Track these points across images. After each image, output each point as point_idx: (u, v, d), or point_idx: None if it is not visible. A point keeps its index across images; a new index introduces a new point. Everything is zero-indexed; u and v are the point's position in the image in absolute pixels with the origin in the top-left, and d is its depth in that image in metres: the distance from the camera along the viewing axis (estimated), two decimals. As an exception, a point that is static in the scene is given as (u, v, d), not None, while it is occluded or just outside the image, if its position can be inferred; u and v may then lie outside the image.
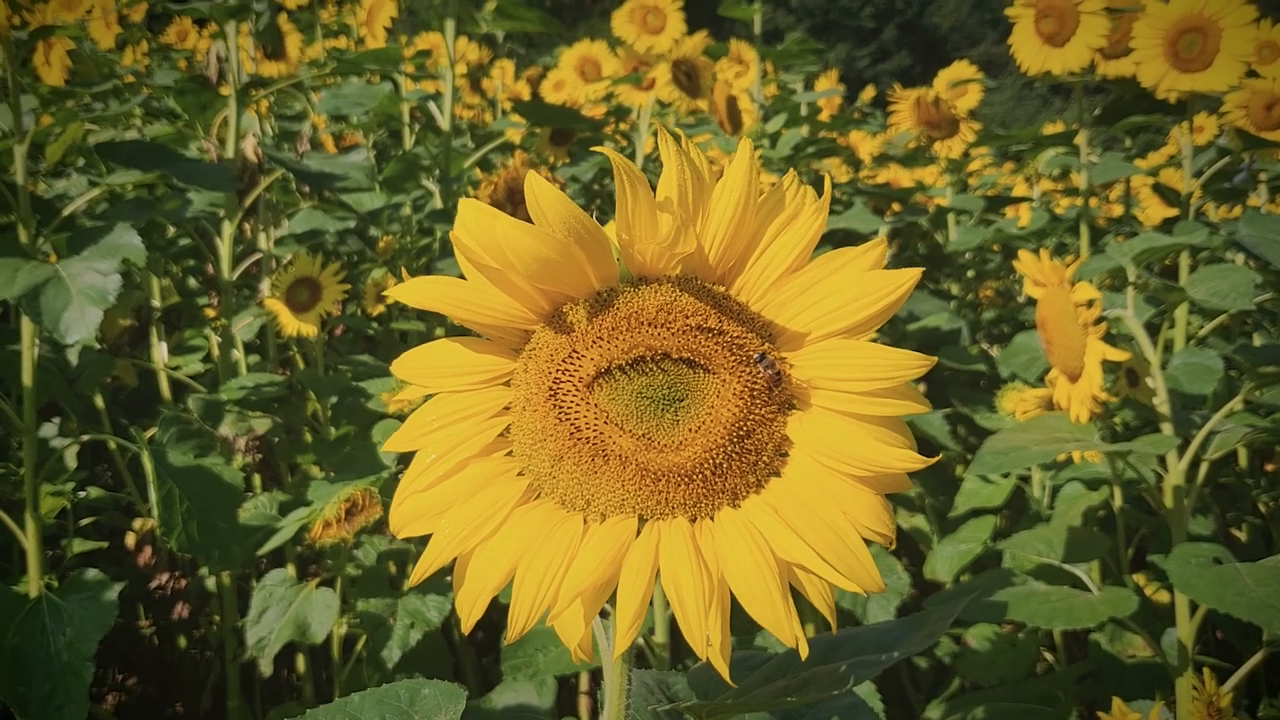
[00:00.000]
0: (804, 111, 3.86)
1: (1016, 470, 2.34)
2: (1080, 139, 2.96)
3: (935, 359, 0.67)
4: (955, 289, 4.10)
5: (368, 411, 2.65)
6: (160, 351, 3.24)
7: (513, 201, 2.63)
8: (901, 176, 4.89)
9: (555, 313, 0.71)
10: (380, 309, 3.25)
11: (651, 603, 0.76)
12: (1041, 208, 3.75)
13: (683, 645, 2.09)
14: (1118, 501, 2.40)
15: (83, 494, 2.78)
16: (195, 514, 2.22)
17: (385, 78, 4.12)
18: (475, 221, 0.65)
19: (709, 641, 0.62)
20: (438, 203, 3.50)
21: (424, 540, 0.70)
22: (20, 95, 2.18)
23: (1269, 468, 2.95)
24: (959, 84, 4.27)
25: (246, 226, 3.29)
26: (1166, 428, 1.95)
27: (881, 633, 0.84)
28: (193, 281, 3.87)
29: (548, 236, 0.64)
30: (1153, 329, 2.33)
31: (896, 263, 4.28)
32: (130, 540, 3.19)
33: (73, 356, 2.70)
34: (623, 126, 4.34)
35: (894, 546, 0.68)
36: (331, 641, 2.46)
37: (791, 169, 0.71)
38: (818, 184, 3.97)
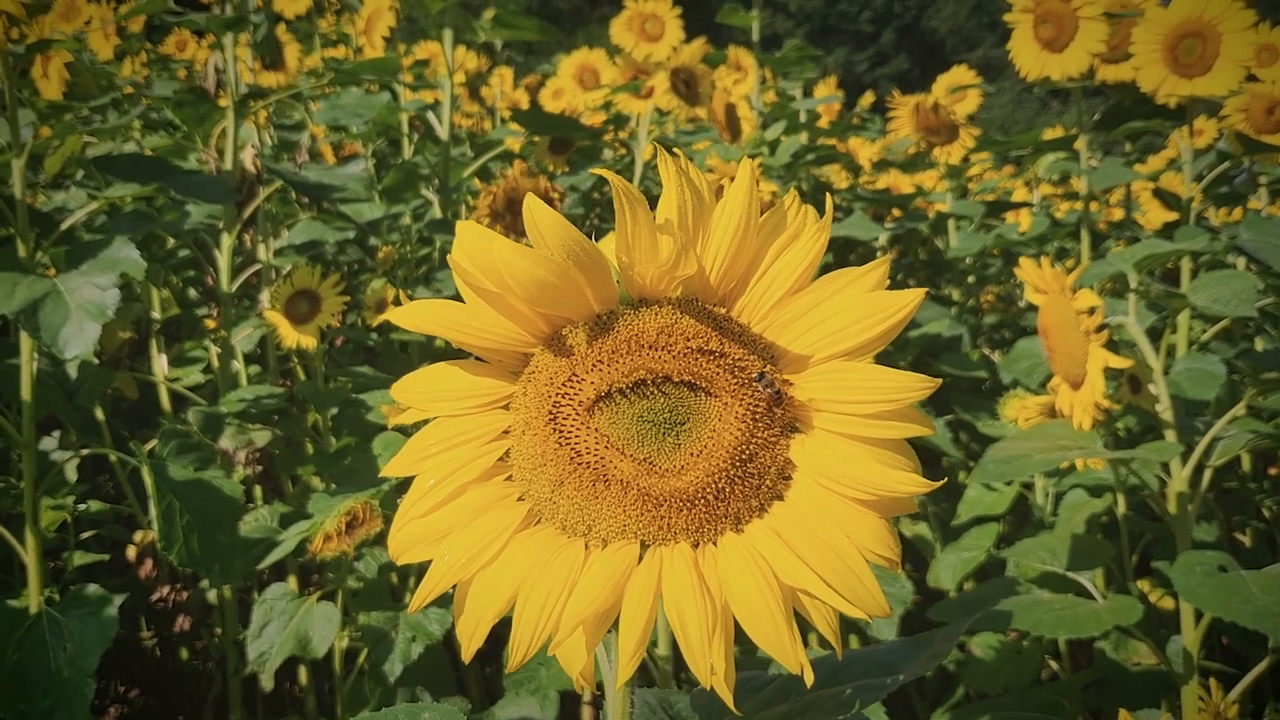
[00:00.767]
0: (803, 119, 3.86)
1: (1020, 478, 2.34)
2: (1080, 144, 2.96)
3: (939, 381, 0.66)
4: (956, 295, 4.09)
5: (368, 423, 2.64)
6: (160, 364, 3.23)
7: (512, 211, 2.63)
8: (901, 182, 4.88)
9: (554, 335, 0.70)
10: (380, 320, 3.25)
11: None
12: (1042, 213, 3.75)
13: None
14: (1121, 508, 2.39)
15: (82, 507, 2.77)
16: (196, 527, 2.22)
17: (384, 87, 4.12)
18: (473, 244, 0.64)
19: (713, 670, 0.61)
20: (437, 212, 3.49)
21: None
22: (18, 109, 2.17)
23: (1272, 472, 2.95)
24: (957, 90, 4.27)
25: (246, 237, 3.29)
26: (1170, 434, 1.94)
27: (886, 653, 0.83)
28: (193, 293, 3.87)
29: (546, 260, 0.63)
30: (1155, 335, 2.32)
31: (897, 268, 4.28)
32: (131, 553, 3.19)
33: (72, 370, 2.69)
34: (621, 135, 4.34)
35: (898, 570, 0.67)
36: (333, 654, 2.45)
37: (792, 187, 0.70)
38: (818, 190, 3.96)
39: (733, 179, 2.46)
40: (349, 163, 3.15)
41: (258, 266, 3.10)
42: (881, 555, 0.66)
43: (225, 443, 2.52)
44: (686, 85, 3.35)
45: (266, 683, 2.31)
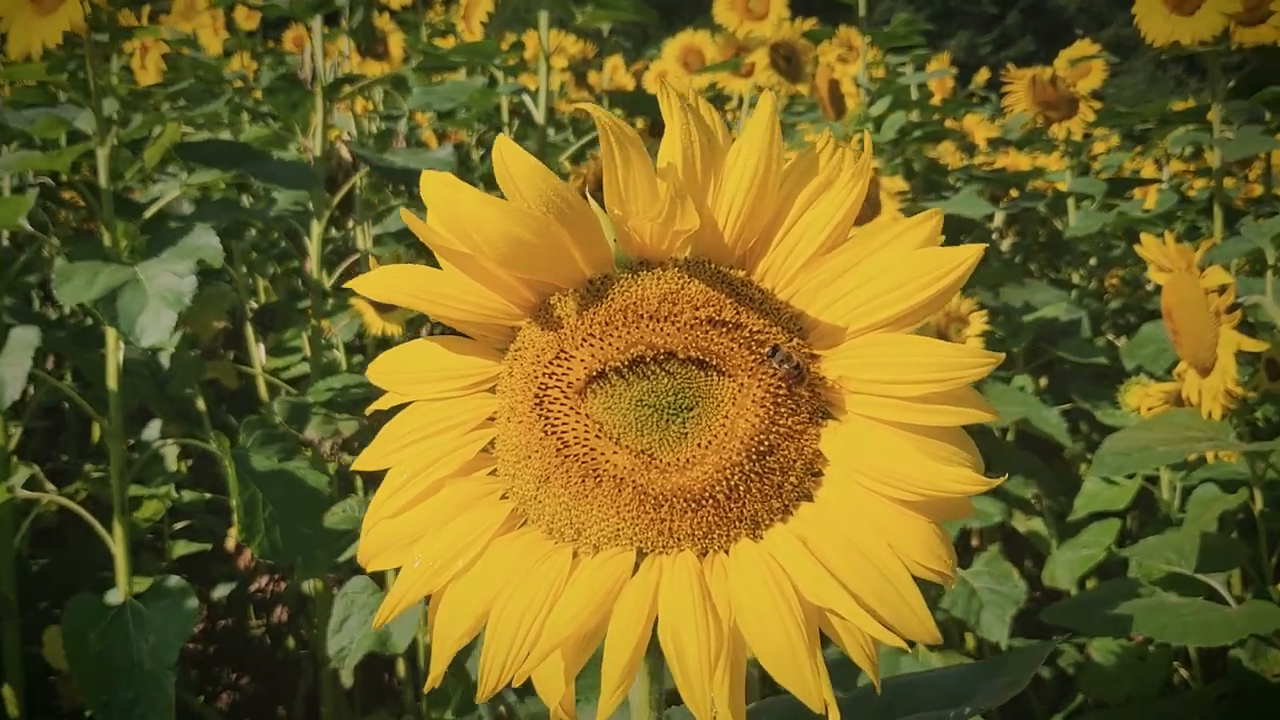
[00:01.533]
0: (914, 94, 3.68)
1: (1142, 471, 2.16)
2: (1213, 114, 2.73)
3: (1001, 356, 0.54)
4: (1076, 277, 3.86)
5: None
6: (258, 352, 3.23)
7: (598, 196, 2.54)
8: (1020, 161, 4.65)
9: (542, 305, 0.60)
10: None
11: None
12: (1171, 190, 3.51)
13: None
14: (1258, 505, 2.19)
15: (175, 497, 2.77)
16: (278, 519, 2.18)
17: (482, 72, 4.08)
18: (438, 196, 0.54)
19: (714, 707, 0.50)
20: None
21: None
22: (102, 98, 2.16)
23: None
24: (1079, 61, 4.03)
25: (348, 225, 3.27)
26: (1313, 425, 1.76)
27: (954, 679, 0.71)
28: (300, 283, 3.88)
29: (521, 213, 0.53)
30: (1295, 316, 2.12)
31: (1014, 250, 4.07)
32: (230, 543, 3.20)
33: (164, 359, 2.69)
34: (728, 117, 4.21)
35: (953, 585, 0.55)
36: (418, 649, 2.40)
37: (827, 132, 0.58)
38: (931, 170, 3.78)
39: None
40: (440, 149, 3.10)
41: (357, 255, 3.07)
42: (931, 567, 0.54)
43: (311, 433, 2.48)
44: (787, 61, 3.22)
45: (346, 679, 2.27)
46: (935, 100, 4.18)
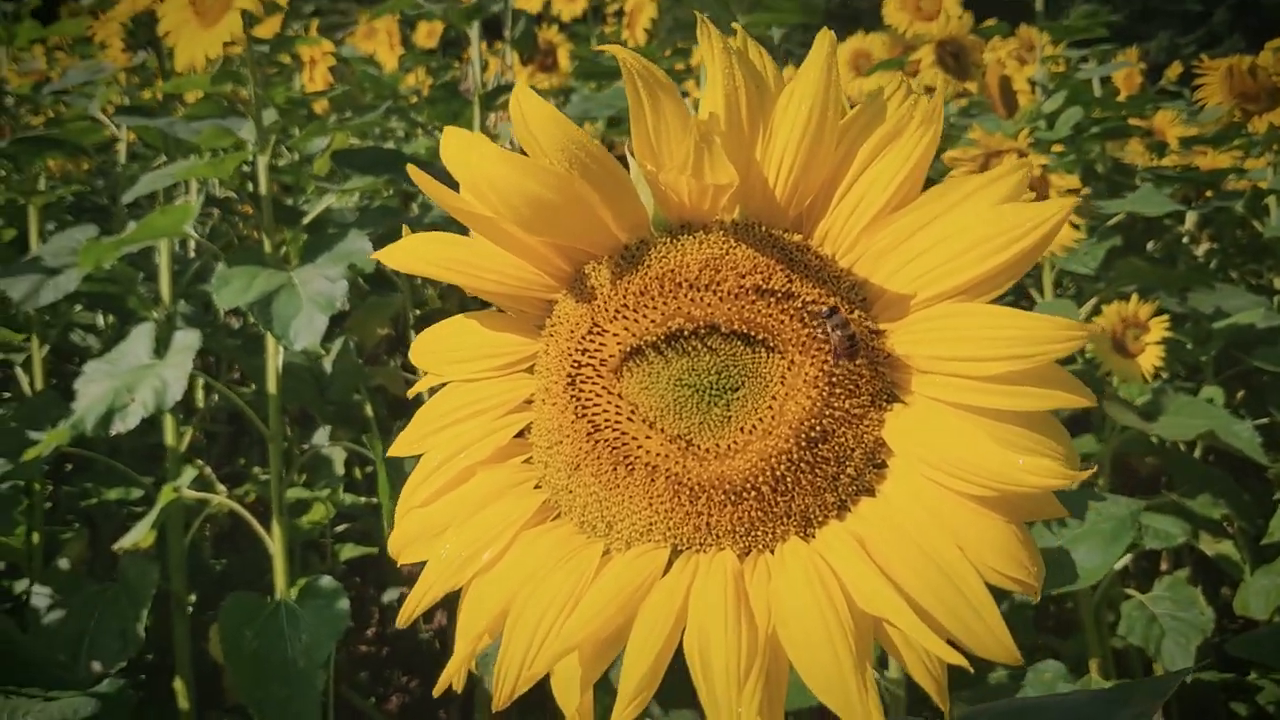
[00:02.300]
0: (1097, 91, 3.48)
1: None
2: None
3: (1092, 326, 0.45)
4: (1279, 282, 3.57)
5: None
6: (420, 360, 3.27)
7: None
8: (1219, 160, 4.35)
9: (577, 275, 0.54)
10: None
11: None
12: (1391, 185, 3.20)
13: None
14: None
15: (340, 500, 2.83)
16: (426, 522, 2.18)
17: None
18: (455, 154, 0.49)
19: (741, 726, 0.43)
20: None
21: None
22: (263, 108, 2.22)
23: None
24: (1285, 49, 3.73)
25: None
26: None
27: (1072, 705, 0.61)
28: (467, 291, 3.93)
29: (540, 169, 0.47)
30: None
31: (1209, 255, 3.80)
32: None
33: (326, 365, 2.75)
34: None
35: (1037, 598, 0.47)
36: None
37: (901, 75, 0.51)
38: (1116, 171, 3.57)
39: (1000, 153, 2.12)
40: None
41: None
42: (1007, 574, 0.46)
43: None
44: (955, 58, 3.09)
45: (489, 686, 2.25)
46: (1121, 96, 3.94)
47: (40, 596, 2.11)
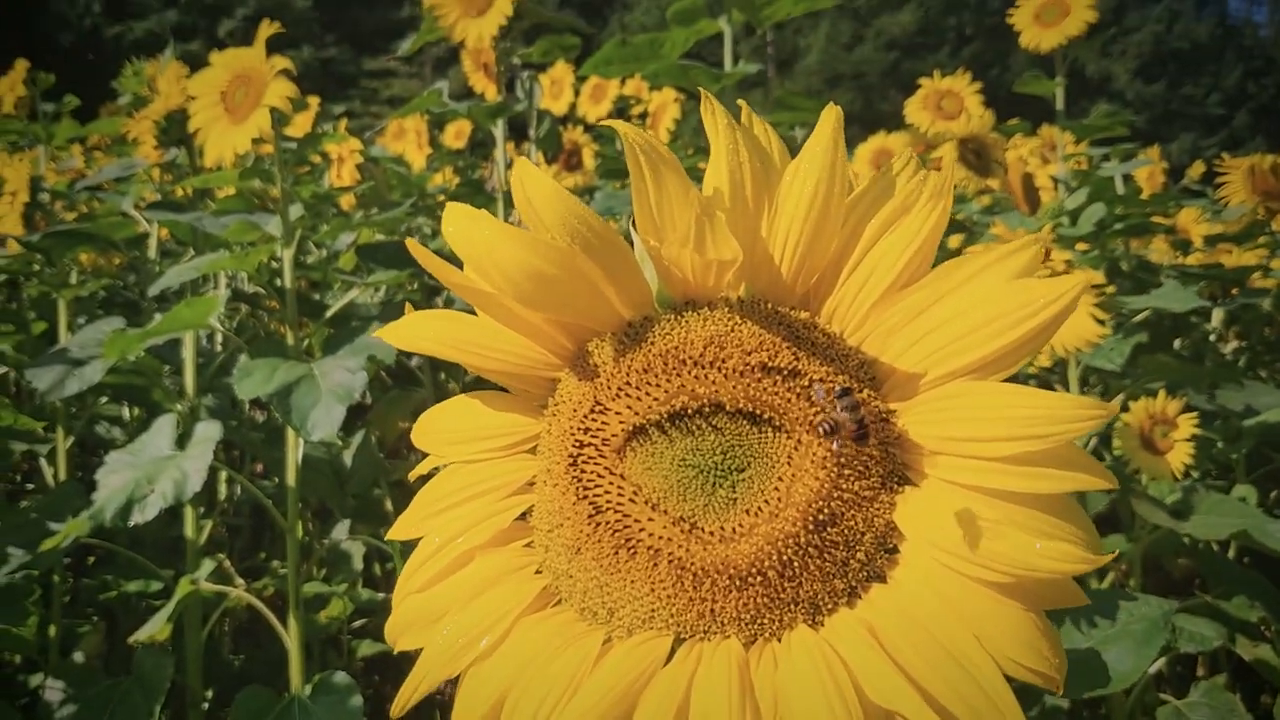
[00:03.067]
0: (1120, 189, 3.49)
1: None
2: None
3: (1113, 407, 0.44)
4: (1311, 380, 3.53)
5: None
6: (443, 455, 3.26)
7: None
8: (1244, 257, 4.34)
9: (580, 353, 0.53)
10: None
11: None
12: None
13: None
14: None
15: (356, 594, 2.79)
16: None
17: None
18: (455, 228, 0.48)
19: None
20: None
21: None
22: (289, 203, 2.25)
23: None
24: (1308, 148, 3.74)
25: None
26: None
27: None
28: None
29: (542, 245, 0.47)
30: None
31: (1236, 354, 3.76)
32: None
33: (347, 458, 2.74)
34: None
35: (1060, 691, 0.44)
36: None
37: (911, 150, 0.50)
38: (1141, 269, 3.56)
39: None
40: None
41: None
42: (1026, 665, 0.43)
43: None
44: (976, 155, 3.10)
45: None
46: (1144, 195, 3.95)
47: (54, 690, 2.08)
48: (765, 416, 0.49)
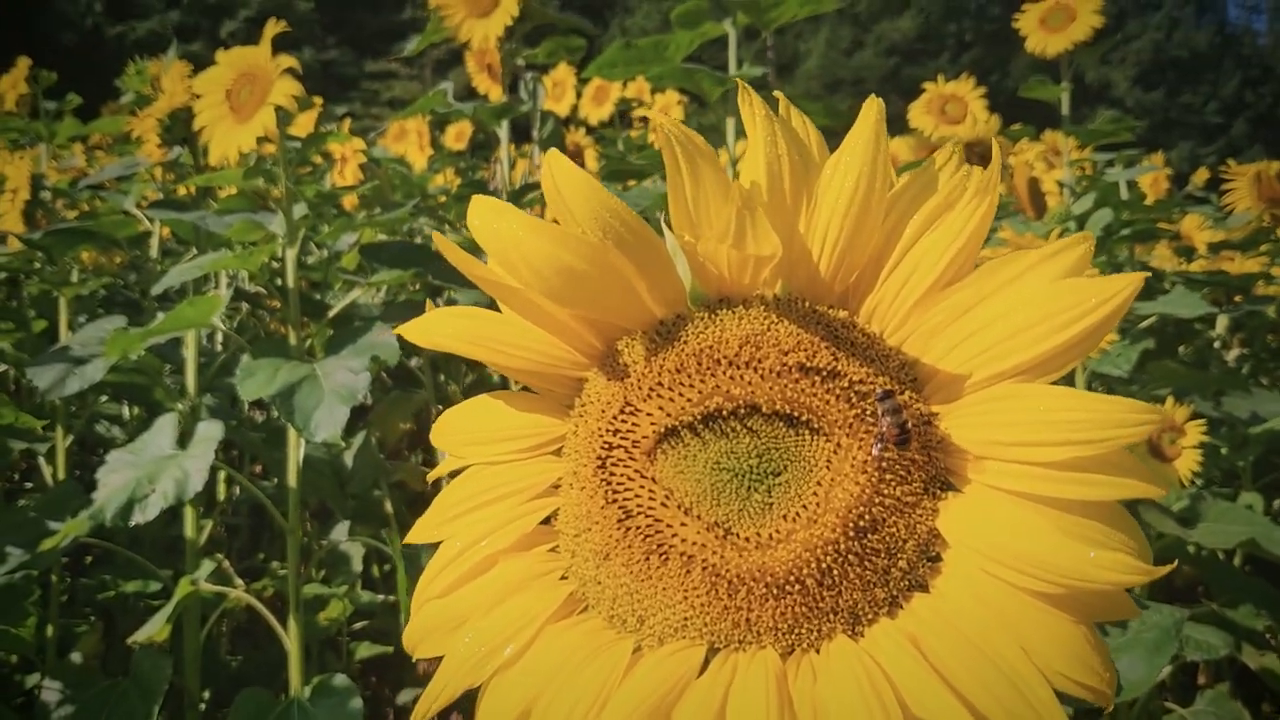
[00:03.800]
0: (1124, 194, 3.47)
1: (1398, 604, 1.89)
2: None
3: (1168, 412, 0.42)
4: (1316, 388, 3.52)
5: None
6: (441, 455, 3.25)
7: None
8: (1247, 264, 4.33)
9: (609, 352, 0.51)
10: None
11: None
12: None
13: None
14: None
15: (356, 596, 2.78)
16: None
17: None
18: (482, 223, 0.47)
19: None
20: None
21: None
22: (293, 203, 2.23)
23: None
24: (1313, 156, 3.73)
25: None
26: None
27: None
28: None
29: (572, 239, 0.45)
30: None
31: (1240, 361, 3.75)
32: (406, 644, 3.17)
33: (347, 459, 2.72)
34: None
35: (1110, 707, 0.43)
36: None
37: (953, 145, 0.48)
38: (1147, 275, 3.55)
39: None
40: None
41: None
42: (1075, 679, 0.42)
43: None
44: (981, 160, 3.09)
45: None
46: (1148, 201, 3.94)
47: (51, 691, 2.06)
48: (803, 419, 0.47)
